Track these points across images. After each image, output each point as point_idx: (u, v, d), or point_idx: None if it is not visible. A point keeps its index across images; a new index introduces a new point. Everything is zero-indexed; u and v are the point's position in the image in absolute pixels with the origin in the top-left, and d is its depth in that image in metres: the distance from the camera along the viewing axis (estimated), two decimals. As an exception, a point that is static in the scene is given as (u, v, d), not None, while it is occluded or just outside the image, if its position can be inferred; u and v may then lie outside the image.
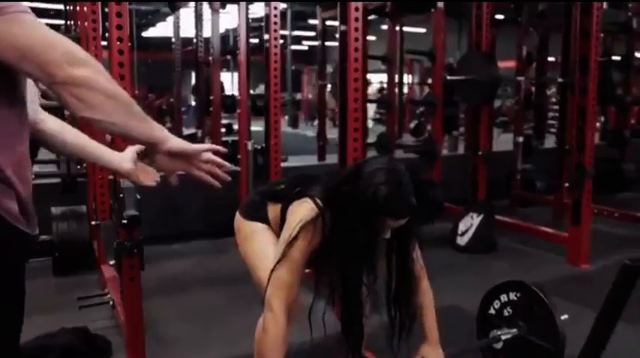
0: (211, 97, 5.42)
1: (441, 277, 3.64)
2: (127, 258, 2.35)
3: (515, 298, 2.29)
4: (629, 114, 6.65)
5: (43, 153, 2.82)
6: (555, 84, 6.33)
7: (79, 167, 4.23)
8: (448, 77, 5.08)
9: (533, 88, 6.93)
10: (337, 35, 3.05)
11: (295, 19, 16.06)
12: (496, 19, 5.65)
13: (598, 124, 8.75)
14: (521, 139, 5.64)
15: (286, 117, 16.18)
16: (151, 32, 17.61)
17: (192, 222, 4.59)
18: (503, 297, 2.33)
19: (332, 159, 6.08)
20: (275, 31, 3.83)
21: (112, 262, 2.52)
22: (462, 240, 4.41)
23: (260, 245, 1.89)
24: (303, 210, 1.70)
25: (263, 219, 1.91)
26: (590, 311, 1.64)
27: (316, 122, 8.93)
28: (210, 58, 5.49)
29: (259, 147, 4.41)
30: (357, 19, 2.73)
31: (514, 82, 6.08)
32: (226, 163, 1.36)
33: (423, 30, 12.04)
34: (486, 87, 4.57)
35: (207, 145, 1.39)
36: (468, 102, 5.37)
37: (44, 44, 1.04)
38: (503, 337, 2.22)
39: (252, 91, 5.92)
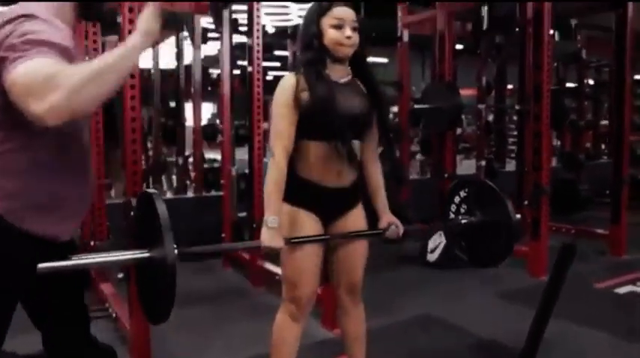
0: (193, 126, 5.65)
1: (414, 290, 3.98)
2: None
3: (471, 192, 2.48)
4: (583, 139, 7.11)
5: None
6: (513, 111, 6.79)
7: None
8: (415, 106, 5.43)
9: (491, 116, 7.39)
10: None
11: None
12: (456, 50, 6.06)
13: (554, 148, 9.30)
14: (483, 163, 6.04)
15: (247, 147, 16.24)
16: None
17: (178, 245, 4.76)
18: (462, 192, 2.50)
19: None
20: (258, 60, 4.07)
21: (120, 275, 2.73)
22: (432, 257, 4.70)
23: None
24: (283, 80, 2.07)
25: None
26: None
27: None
28: (192, 89, 5.73)
29: (242, 173, 4.66)
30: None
31: (475, 109, 6.50)
32: None
33: (384, 60, 12.43)
34: (451, 114, 4.93)
35: None
36: (434, 130, 5.73)
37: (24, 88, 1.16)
38: (462, 221, 2.41)
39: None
